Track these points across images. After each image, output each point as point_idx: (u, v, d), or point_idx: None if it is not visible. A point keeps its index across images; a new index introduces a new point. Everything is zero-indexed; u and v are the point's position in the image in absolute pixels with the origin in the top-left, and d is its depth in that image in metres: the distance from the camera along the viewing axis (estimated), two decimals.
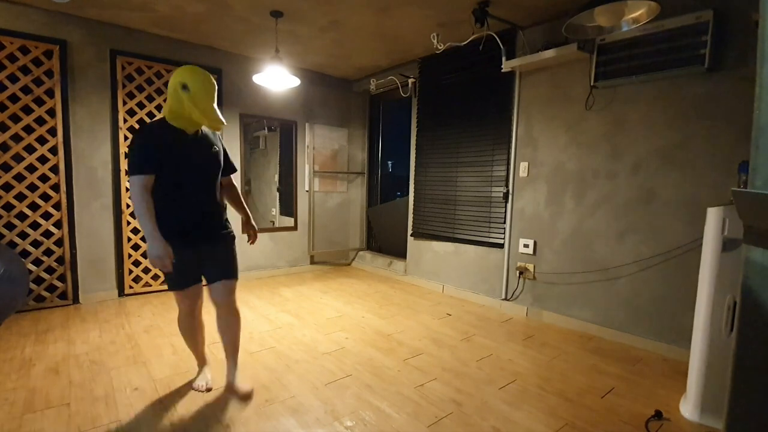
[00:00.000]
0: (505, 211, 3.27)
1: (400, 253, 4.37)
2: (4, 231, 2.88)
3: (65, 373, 2.05)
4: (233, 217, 2.15)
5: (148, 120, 3.39)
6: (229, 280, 1.82)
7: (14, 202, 2.89)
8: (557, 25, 2.82)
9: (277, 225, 4.57)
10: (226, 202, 1.98)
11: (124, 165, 3.31)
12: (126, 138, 3.30)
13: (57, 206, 3.06)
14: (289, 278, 4.24)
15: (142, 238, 3.43)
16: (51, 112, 2.99)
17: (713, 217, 1.73)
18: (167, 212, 1.67)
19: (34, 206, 2.98)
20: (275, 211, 4.62)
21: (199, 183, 1.75)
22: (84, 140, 3.14)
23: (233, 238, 1.88)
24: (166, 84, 3.46)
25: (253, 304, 3.29)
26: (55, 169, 3.04)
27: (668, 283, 2.43)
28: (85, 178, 3.17)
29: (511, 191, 3.22)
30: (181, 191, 1.70)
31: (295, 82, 3.18)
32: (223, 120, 1.66)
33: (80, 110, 3.11)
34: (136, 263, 3.43)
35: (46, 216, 3.04)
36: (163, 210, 1.66)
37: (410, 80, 4.01)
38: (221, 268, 1.81)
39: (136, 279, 3.44)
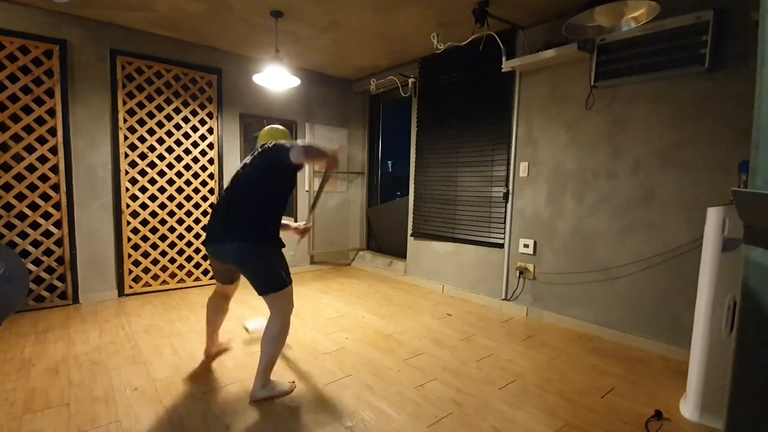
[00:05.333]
0: (505, 211, 3.26)
1: (400, 253, 4.37)
2: (4, 231, 2.88)
3: (65, 374, 2.05)
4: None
5: (148, 120, 3.39)
6: None
7: (14, 202, 2.89)
8: (557, 25, 2.82)
9: None
10: None
11: (124, 165, 3.31)
12: (126, 138, 3.30)
13: (57, 206, 3.06)
14: None
15: (142, 238, 3.44)
16: (51, 112, 2.99)
17: (713, 217, 1.73)
18: None
19: (34, 206, 2.98)
20: None
21: None
22: (84, 140, 3.14)
23: None
24: (166, 84, 3.46)
25: (253, 304, 3.29)
26: (55, 169, 3.04)
27: (668, 283, 2.43)
28: (85, 178, 3.17)
29: (511, 191, 3.22)
30: None
31: (295, 82, 3.18)
32: None
33: (80, 110, 3.11)
34: (136, 263, 3.42)
35: (46, 216, 3.04)
36: None
37: (410, 80, 4.01)
38: None
39: (136, 279, 3.43)
